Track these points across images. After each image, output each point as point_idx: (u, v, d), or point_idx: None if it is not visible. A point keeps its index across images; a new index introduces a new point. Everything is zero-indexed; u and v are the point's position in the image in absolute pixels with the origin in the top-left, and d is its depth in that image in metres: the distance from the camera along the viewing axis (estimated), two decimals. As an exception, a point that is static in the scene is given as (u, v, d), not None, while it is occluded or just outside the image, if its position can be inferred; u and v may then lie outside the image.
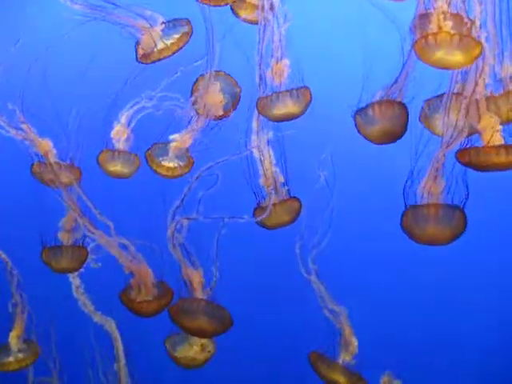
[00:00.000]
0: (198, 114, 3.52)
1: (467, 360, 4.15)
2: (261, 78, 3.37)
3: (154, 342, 3.69)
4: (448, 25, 2.98)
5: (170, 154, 3.55)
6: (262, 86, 3.37)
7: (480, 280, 4.07)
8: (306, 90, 3.37)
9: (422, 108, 3.23)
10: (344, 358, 3.49)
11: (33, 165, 3.57)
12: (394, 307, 4.11)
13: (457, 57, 2.95)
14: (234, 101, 3.57)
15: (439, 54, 2.96)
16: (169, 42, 3.36)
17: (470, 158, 3.02)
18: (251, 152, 3.48)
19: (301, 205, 3.51)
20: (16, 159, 3.57)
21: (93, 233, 3.52)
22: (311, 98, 3.39)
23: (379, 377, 3.59)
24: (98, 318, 3.78)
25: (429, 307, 4.11)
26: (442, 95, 3.17)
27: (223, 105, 3.53)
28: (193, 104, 3.52)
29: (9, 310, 3.73)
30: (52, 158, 3.55)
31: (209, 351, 3.63)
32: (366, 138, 3.30)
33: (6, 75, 3.43)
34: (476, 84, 3.04)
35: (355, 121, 3.28)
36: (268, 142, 3.48)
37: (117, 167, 3.55)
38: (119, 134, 3.50)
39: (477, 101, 3.05)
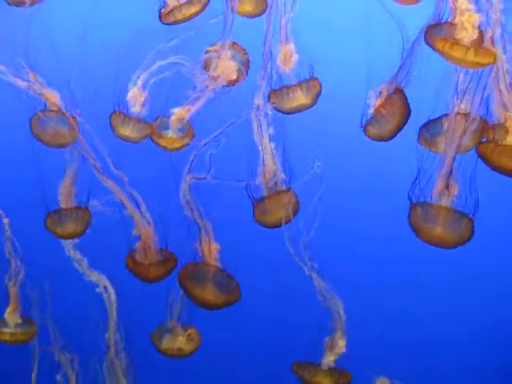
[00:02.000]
0: (209, 79, 3.47)
1: (465, 362, 4.17)
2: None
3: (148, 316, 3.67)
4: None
5: (171, 126, 3.50)
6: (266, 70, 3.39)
7: (479, 280, 4.08)
8: (315, 81, 3.41)
9: (420, 131, 3.28)
10: (329, 358, 3.50)
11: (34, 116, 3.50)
12: (391, 307, 4.13)
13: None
14: (244, 67, 3.52)
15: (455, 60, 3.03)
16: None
17: (486, 152, 3.06)
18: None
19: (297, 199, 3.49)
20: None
21: (106, 181, 3.46)
22: (321, 88, 3.43)
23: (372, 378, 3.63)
24: (94, 277, 3.71)
25: (426, 307, 4.12)
26: (438, 119, 3.24)
27: (236, 69, 3.47)
28: (204, 68, 3.47)
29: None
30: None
31: (195, 342, 3.65)
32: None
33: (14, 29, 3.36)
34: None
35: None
36: (270, 137, 3.45)
37: (126, 132, 3.49)
38: (135, 97, 3.43)
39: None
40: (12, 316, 3.65)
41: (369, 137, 3.31)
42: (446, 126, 3.18)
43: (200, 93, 3.46)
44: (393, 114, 3.24)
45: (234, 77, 3.46)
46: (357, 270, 4.04)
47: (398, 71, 3.23)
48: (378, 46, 3.31)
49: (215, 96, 3.46)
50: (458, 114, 3.15)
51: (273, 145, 3.43)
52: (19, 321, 3.67)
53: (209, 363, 4.04)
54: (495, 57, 3.03)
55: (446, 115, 3.20)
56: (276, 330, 4.17)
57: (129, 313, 3.79)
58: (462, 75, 3.16)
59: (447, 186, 3.11)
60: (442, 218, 3.08)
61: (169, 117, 3.46)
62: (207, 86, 3.45)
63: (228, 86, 3.47)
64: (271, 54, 3.42)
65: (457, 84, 3.16)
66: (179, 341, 3.62)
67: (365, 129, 3.30)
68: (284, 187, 3.45)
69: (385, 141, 3.30)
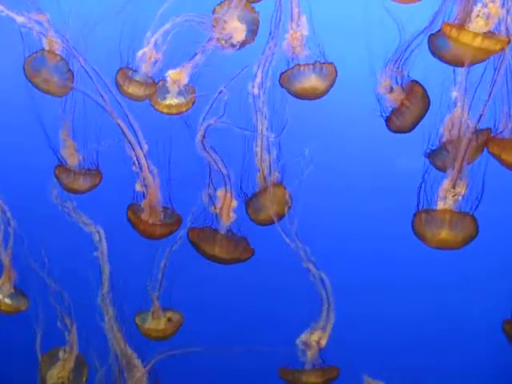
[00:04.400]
0: (217, 38, 3.40)
1: (462, 364, 4.17)
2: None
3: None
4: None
5: (170, 90, 3.45)
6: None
7: (478, 282, 4.09)
8: (330, 66, 3.35)
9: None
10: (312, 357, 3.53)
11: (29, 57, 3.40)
12: (387, 306, 4.11)
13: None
14: (254, 27, 3.44)
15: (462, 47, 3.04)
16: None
17: (493, 148, 3.12)
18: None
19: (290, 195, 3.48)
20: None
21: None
22: (336, 74, 3.37)
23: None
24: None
25: (423, 306, 4.12)
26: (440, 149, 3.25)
27: (245, 30, 3.40)
28: (213, 26, 3.39)
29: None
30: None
31: (176, 321, 3.69)
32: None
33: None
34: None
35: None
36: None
37: (129, 89, 3.41)
38: (145, 55, 3.38)
39: None
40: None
41: (392, 129, 3.33)
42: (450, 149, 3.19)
43: (204, 52, 3.41)
44: (416, 105, 3.26)
45: (243, 38, 3.40)
46: (353, 267, 4.04)
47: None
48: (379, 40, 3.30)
49: (222, 57, 3.41)
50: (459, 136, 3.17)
51: (272, 135, 3.40)
52: (12, 290, 3.62)
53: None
54: (505, 43, 3.02)
55: (450, 141, 3.21)
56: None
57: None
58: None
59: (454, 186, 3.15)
60: (447, 220, 3.11)
61: (165, 80, 3.42)
62: (216, 45, 3.40)
63: (236, 47, 3.40)
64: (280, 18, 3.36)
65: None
66: (160, 323, 3.67)
67: (389, 121, 3.31)
68: (276, 182, 3.44)
69: (405, 132, 3.32)
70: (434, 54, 3.18)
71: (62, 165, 3.58)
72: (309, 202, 3.42)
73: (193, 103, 3.44)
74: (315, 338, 3.46)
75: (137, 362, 3.71)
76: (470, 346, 4.06)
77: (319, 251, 3.48)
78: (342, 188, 3.83)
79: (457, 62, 3.10)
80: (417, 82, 3.28)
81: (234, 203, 3.46)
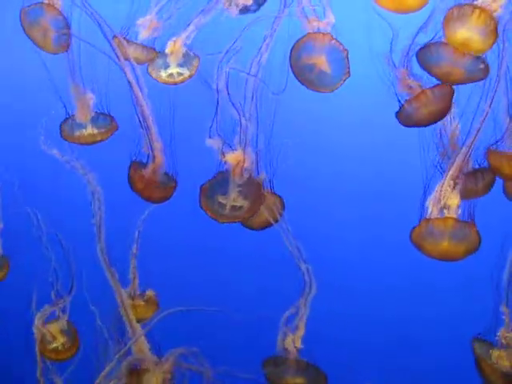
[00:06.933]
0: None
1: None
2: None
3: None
4: None
5: (171, 62, 3.37)
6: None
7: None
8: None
9: None
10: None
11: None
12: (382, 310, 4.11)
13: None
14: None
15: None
16: None
17: (489, 158, 3.06)
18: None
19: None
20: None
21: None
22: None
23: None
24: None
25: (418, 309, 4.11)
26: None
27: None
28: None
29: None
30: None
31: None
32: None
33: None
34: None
35: None
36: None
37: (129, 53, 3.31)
38: (145, 23, 3.29)
39: None
40: None
41: (401, 119, 3.17)
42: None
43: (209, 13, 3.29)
44: (438, 101, 3.10)
45: (250, 2, 3.24)
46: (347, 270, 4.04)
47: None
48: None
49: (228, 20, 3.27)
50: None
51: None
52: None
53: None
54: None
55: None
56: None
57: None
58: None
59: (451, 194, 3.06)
60: (448, 230, 3.01)
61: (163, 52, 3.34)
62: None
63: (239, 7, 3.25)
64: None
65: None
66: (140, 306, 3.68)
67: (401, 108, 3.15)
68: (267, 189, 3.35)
69: (413, 126, 3.18)
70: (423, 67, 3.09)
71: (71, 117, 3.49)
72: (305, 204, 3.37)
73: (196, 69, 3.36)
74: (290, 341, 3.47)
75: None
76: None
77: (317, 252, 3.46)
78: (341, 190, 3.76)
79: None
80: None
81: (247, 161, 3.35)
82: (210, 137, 3.27)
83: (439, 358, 4.10)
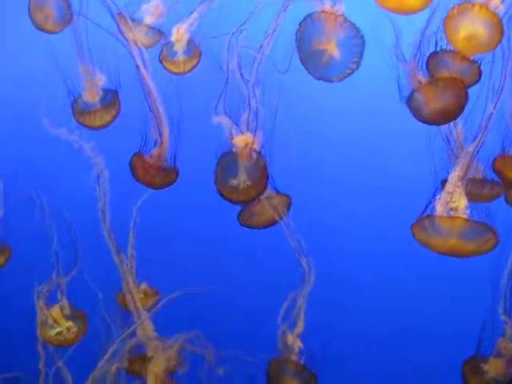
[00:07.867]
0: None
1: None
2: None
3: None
4: None
5: (176, 49, 3.38)
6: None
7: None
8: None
9: None
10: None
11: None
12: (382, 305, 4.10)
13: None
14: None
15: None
16: None
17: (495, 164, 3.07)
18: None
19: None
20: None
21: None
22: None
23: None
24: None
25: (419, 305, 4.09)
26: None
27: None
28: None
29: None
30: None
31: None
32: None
33: None
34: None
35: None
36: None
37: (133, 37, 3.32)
38: (149, 8, 3.29)
39: None
40: None
41: (411, 105, 3.13)
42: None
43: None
44: (450, 92, 3.06)
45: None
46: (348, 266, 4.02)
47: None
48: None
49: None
50: None
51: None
52: None
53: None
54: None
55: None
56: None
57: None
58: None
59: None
60: (457, 228, 2.96)
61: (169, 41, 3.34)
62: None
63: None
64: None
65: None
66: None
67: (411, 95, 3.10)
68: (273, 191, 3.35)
69: (418, 118, 3.14)
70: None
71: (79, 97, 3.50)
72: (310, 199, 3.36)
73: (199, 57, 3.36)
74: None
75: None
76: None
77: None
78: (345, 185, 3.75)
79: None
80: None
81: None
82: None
83: (440, 350, 4.08)
